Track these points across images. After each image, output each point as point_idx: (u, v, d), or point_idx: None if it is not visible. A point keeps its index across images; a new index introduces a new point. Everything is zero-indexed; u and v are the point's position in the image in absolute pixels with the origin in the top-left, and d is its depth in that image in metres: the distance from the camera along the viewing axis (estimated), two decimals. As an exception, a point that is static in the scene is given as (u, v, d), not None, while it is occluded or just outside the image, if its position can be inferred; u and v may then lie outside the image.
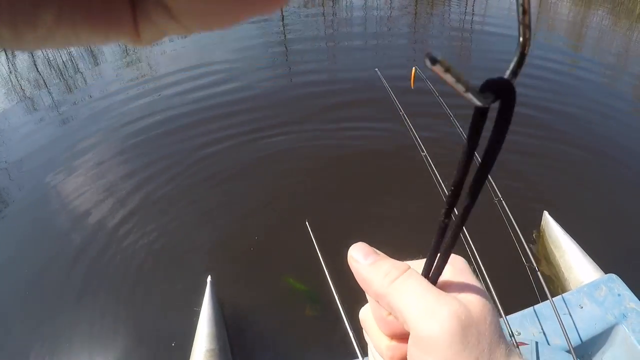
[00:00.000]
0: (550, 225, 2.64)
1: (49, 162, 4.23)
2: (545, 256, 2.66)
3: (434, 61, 0.15)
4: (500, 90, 0.17)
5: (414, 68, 2.06)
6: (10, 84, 8.25)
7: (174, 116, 4.61)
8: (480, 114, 0.18)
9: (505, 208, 1.89)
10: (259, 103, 4.67)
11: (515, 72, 0.17)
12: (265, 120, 4.29)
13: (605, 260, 2.36)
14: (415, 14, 8.53)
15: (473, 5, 8.84)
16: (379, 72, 2.25)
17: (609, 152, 3.77)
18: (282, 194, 3.34)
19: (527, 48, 0.17)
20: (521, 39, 0.16)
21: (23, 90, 7.67)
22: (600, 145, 3.88)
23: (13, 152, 4.79)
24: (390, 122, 3.57)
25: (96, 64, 8.44)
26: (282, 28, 7.64)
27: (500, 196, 1.92)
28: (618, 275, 1.93)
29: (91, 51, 9.30)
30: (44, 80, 7.91)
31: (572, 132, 4.06)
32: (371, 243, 0.33)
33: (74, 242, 3.07)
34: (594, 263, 2.29)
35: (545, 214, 2.72)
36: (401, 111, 1.94)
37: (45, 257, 2.96)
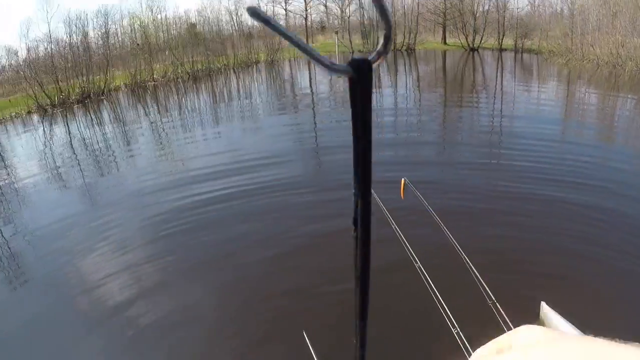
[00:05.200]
0: (550, 317, 2.51)
1: (72, 239, 4.61)
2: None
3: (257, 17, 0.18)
4: (358, 66, 0.19)
5: (403, 180, 2.26)
6: (44, 156, 8.99)
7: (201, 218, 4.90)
8: (351, 84, 0.20)
9: (499, 309, 1.87)
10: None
11: (379, 53, 0.20)
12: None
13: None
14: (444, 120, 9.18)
15: (501, 110, 9.40)
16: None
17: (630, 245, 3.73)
18: (275, 294, 3.35)
19: (391, 34, 0.20)
20: (385, 30, 0.20)
21: (56, 164, 8.26)
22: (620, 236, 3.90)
23: (39, 223, 5.23)
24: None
25: (129, 151, 9.05)
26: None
27: (493, 298, 1.90)
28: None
29: (126, 139, 10.05)
30: (77, 159, 8.53)
31: (588, 230, 4.03)
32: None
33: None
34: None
35: (543, 304, 2.62)
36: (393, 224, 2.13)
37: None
